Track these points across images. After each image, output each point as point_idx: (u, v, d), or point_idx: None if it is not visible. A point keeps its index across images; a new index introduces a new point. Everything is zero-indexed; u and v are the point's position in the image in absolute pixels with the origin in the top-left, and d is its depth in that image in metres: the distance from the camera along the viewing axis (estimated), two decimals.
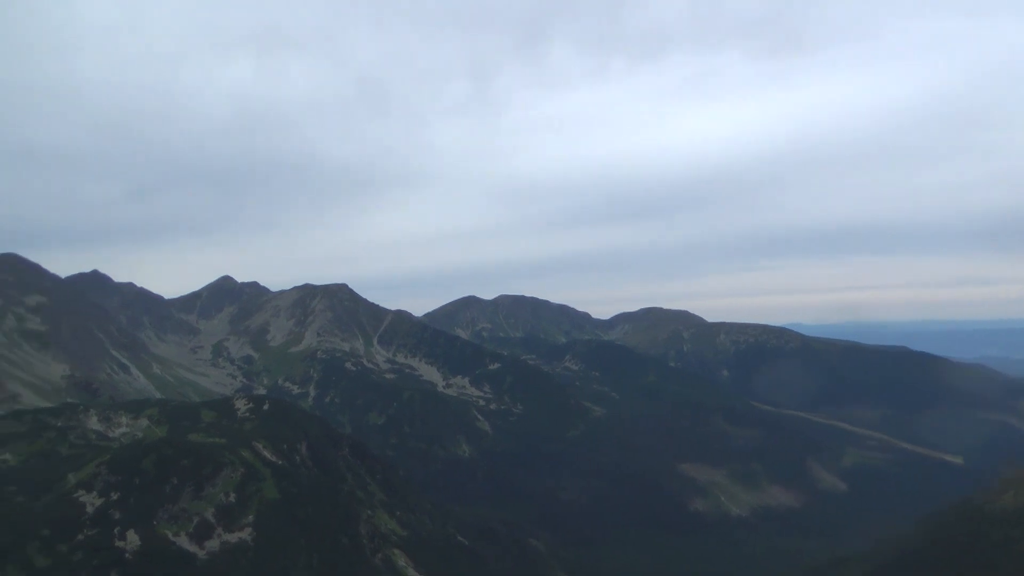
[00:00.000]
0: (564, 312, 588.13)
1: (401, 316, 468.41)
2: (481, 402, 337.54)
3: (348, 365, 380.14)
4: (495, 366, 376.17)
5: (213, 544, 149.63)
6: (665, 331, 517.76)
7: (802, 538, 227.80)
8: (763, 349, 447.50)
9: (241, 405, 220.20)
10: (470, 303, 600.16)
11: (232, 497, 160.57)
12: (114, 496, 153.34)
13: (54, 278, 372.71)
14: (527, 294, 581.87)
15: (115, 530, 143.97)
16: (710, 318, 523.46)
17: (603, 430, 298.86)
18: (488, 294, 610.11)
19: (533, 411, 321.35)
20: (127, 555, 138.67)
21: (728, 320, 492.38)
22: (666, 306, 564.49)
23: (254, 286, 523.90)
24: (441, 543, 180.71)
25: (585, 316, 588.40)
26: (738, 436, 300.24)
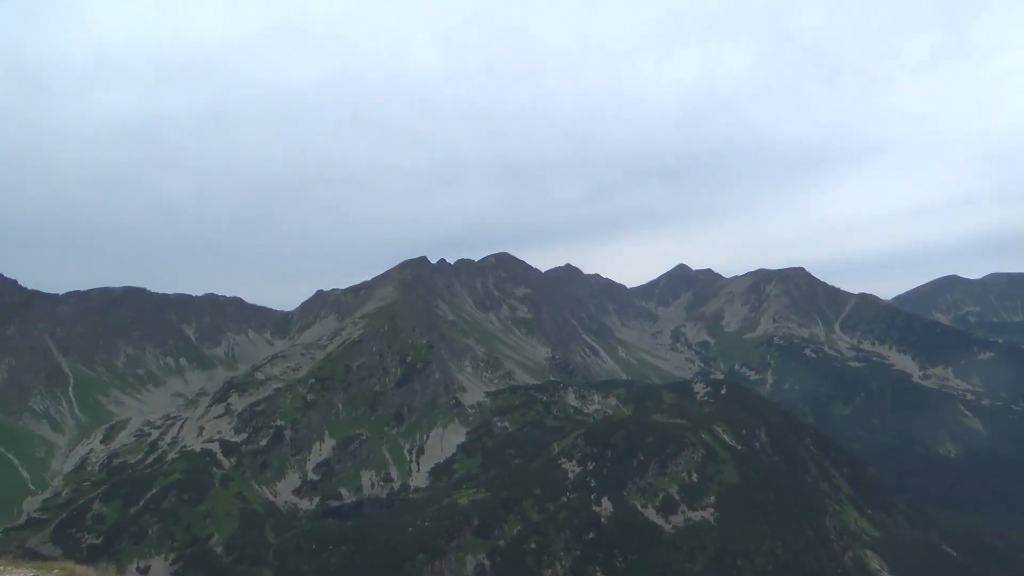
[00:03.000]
0: None
1: (866, 300, 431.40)
2: (969, 396, 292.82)
3: (807, 352, 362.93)
4: (986, 355, 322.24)
5: (678, 519, 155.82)
6: None
7: None
8: None
9: (700, 389, 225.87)
10: (951, 283, 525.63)
11: (694, 477, 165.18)
12: (590, 465, 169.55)
13: (536, 272, 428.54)
14: None
15: (592, 496, 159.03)
16: None
17: None
18: (972, 273, 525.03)
19: None
20: (602, 519, 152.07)
21: None
22: None
23: (708, 273, 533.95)
24: (923, 551, 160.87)
25: None
26: None
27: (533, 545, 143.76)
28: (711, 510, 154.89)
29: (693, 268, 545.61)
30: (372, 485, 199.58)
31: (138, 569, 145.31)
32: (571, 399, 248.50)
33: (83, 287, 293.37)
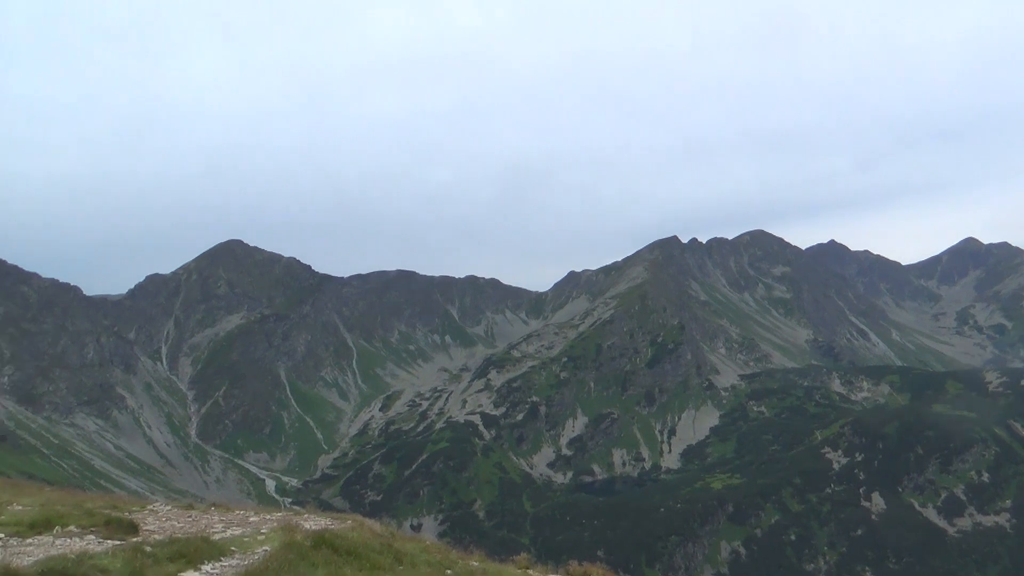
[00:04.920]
0: None
1: None
2: None
3: None
4: None
5: (964, 523, 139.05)
6: None
7: None
8: None
9: (992, 378, 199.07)
10: None
11: (985, 477, 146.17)
12: (858, 457, 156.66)
13: (795, 250, 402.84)
14: None
15: (860, 490, 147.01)
16: None
17: None
18: None
19: None
20: (873, 516, 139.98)
21: None
22: None
23: (1003, 247, 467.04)
24: None
25: None
26: None
27: (793, 537, 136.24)
28: (1006, 515, 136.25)
29: (984, 242, 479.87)
30: (623, 463, 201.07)
31: (411, 526, 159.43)
32: (836, 385, 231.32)
33: (363, 271, 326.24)
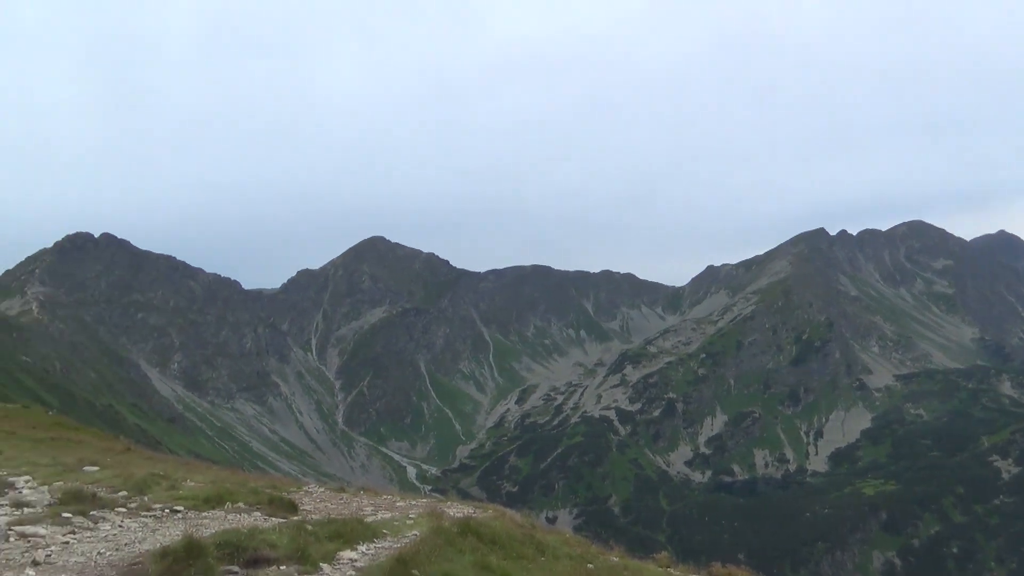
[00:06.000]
0: None
1: None
2: None
3: None
4: None
5: None
6: None
7: None
8: None
9: None
10: None
11: None
12: None
13: (959, 241, 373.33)
14: None
15: None
16: None
17: None
18: None
19: None
20: None
21: None
22: None
23: None
24: None
25: None
26: None
27: (955, 549, 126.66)
28: None
29: None
30: (766, 464, 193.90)
31: (547, 519, 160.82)
32: (1006, 387, 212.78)
33: (499, 266, 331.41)
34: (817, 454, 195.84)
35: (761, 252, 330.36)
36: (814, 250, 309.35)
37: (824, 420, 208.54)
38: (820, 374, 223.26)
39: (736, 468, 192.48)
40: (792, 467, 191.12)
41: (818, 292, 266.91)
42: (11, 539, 9.01)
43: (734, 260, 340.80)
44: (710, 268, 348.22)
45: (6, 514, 10.46)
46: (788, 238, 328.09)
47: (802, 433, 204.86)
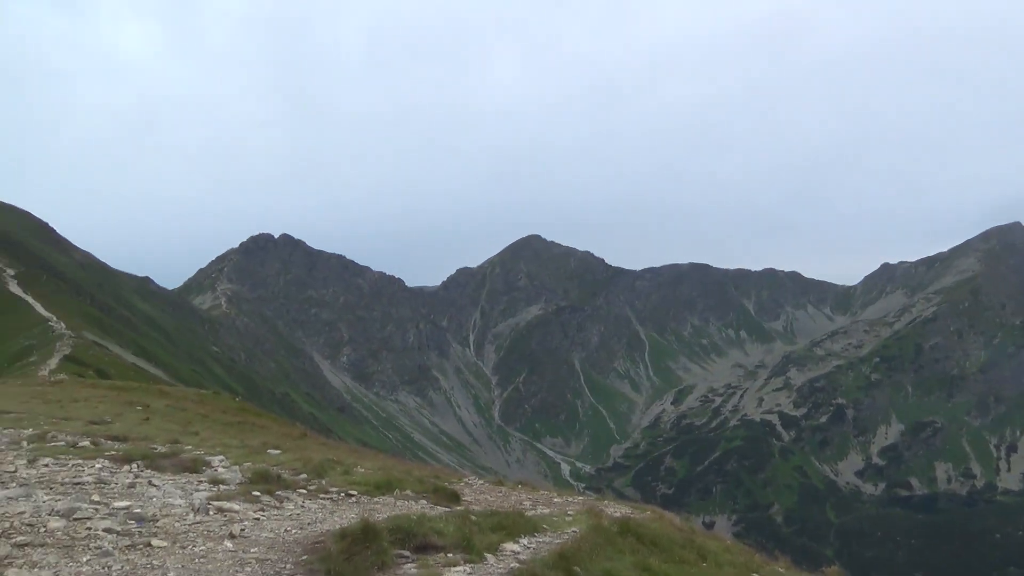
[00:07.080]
0: None
1: None
2: None
3: None
4: None
5: None
6: None
7: None
8: None
9: None
10: None
11: None
12: None
13: None
14: None
15: None
16: None
17: None
18: None
19: None
20: None
21: None
22: None
23: None
24: None
25: None
26: None
27: None
28: None
29: None
30: (949, 479, 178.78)
31: (704, 523, 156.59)
32: None
33: (655, 264, 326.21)
34: (1009, 470, 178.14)
35: (944, 249, 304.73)
36: (1007, 246, 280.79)
37: (1018, 434, 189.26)
38: (1015, 383, 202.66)
39: (914, 481, 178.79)
40: (980, 483, 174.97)
41: (1012, 292, 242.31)
42: (211, 512, 9.92)
43: (913, 257, 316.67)
44: (885, 266, 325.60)
45: (206, 489, 11.53)
46: (976, 233, 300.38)
47: (991, 447, 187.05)
